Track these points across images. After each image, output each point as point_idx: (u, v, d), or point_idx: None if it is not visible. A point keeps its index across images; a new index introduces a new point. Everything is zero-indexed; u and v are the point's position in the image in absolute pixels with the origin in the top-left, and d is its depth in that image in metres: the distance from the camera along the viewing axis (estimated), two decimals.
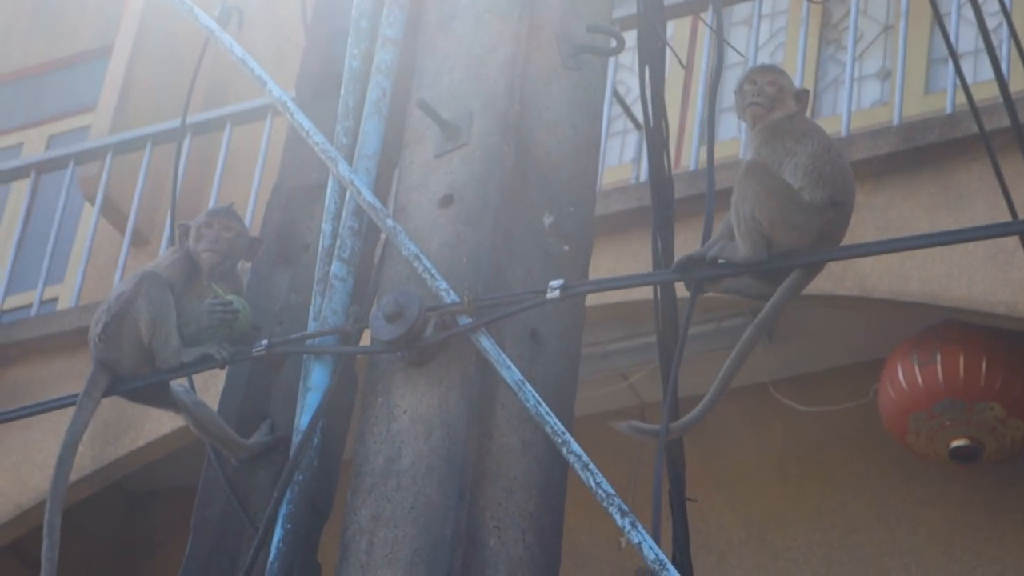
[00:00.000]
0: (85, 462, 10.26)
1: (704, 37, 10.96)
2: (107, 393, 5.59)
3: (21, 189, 12.13)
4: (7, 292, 11.63)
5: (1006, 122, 7.34)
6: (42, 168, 11.93)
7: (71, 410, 5.63)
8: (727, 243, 5.32)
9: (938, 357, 9.54)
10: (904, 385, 9.61)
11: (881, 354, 9.74)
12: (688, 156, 10.44)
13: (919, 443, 9.72)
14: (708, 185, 5.54)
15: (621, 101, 6.24)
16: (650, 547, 4.63)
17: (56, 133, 13.57)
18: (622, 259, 9.41)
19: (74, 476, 9.61)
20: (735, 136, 10.19)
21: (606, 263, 9.37)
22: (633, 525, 4.64)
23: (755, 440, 10.09)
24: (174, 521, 5.39)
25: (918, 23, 10.38)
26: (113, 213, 11.66)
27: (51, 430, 10.09)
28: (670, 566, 4.63)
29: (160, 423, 8.92)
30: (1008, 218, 7.43)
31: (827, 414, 10.07)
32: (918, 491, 10.05)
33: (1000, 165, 7.46)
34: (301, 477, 5.11)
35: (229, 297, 5.47)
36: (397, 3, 5.55)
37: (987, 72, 7.68)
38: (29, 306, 11.59)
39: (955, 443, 9.67)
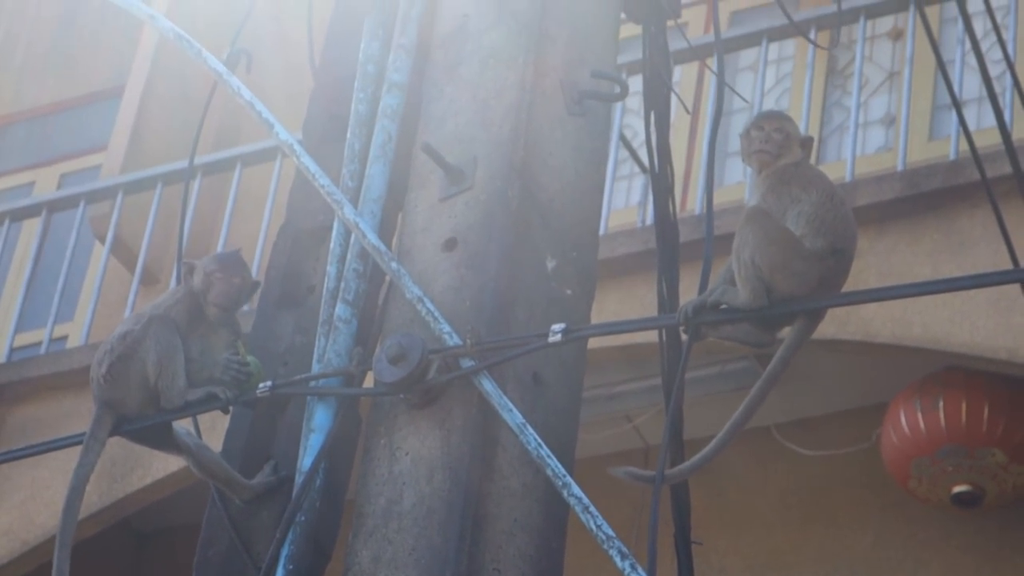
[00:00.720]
0: (92, 500, 10.25)
1: (710, 82, 10.98)
2: (112, 433, 5.59)
3: (32, 227, 12.14)
4: (17, 330, 11.64)
5: (1008, 169, 7.35)
6: (53, 207, 11.95)
7: (79, 448, 5.64)
8: (728, 288, 5.32)
9: (940, 403, 9.55)
10: (907, 430, 9.61)
11: (884, 399, 9.75)
12: (694, 200, 10.44)
13: (921, 488, 9.72)
14: (707, 229, 5.54)
15: (628, 145, 6.26)
16: None
17: (67, 172, 13.59)
18: (627, 302, 9.41)
19: (81, 514, 9.58)
20: (740, 180, 10.19)
21: (611, 306, 9.38)
22: (633, 568, 4.65)
23: (759, 482, 10.09)
24: (181, 559, 5.39)
25: (922, 70, 10.39)
26: (123, 252, 11.67)
27: (59, 468, 10.09)
28: None
29: (167, 461, 8.92)
30: (1010, 265, 7.44)
31: (830, 458, 10.07)
32: (920, 535, 10.04)
33: (1002, 212, 7.46)
34: (303, 518, 5.11)
35: (248, 358, 5.47)
36: (404, 48, 5.56)
37: (990, 119, 7.69)
38: (39, 344, 11.60)
39: (957, 488, 9.67)
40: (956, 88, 9.19)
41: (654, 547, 5.06)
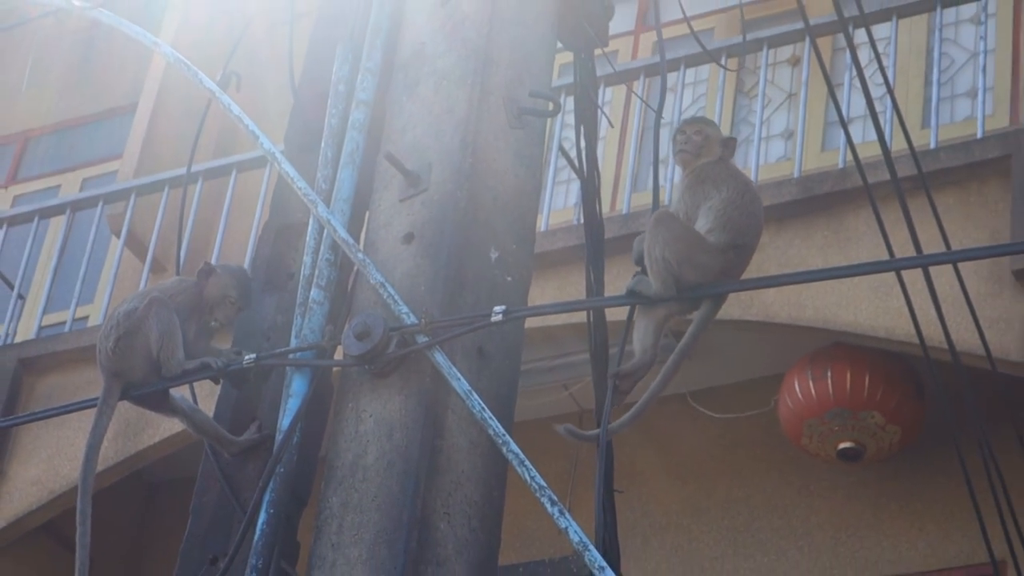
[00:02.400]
0: (109, 455, 10.25)
1: (636, 103, 10.99)
2: (121, 399, 5.59)
3: (58, 224, 12.11)
4: (45, 311, 11.62)
5: (887, 176, 7.38)
6: (76, 206, 11.91)
7: (95, 411, 5.65)
8: (643, 278, 5.33)
9: (829, 373, 9.57)
10: (800, 396, 9.63)
11: (780, 370, 9.76)
12: (622, 201, 10.45)
13: (812, 445, 9.73)
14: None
15: (565, 154, 6.25)
16: (575, 531, 4.63)
17: (88, 177, 13.57)
18: (564, 287, 9.41)
19: (99, 467, 9.55)
20: (662, 184, 10.16)
21: (551, 290, 9.38)
22: (561, 513, 4.66)
23: (675, 441, 10.10)
24: (184, 505, 5.39)
25: (816, 92, 10.41)
26: (135, 245, 11.65)
27: (80, 428, 10.06)
28: (592, 548, 4.63)
29: (173, 422, 8.87)
30: (887, 257, 7.46)
31: (735, 420, 10.08)
32: (811, 486, 10.06)
33: (881, 212, 7.48)
34: (283, 470, 5.10)
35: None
36: (370, 71, 5.56)
37: (872, 134, 7.70)
38: (63, 323, 11.56)
39: (842, 445, 9.68)
40: (844, 108, 9.22)
41: (600, 491, 5.11)
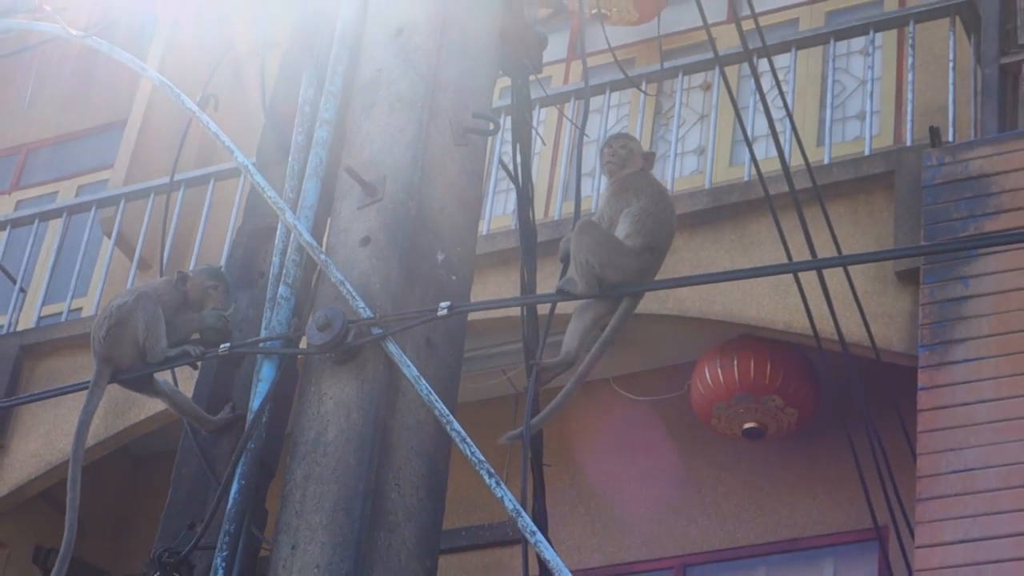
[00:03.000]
0: (99, 431, 10.24)
1: (566, 125, 11.02)
2: (110, 382, 5.61)
3: (56, 226, 12.08)
4: (44, 303, 11.61)
5: (786, 188, 7.43)
6: (72, 210, 11.88)
7: (87, 391, 5.67)
8: (570, 279, 5.36)
9: (735, 361, 9.59)
10: (710, 381, 9.65)
11: (693, 358, 9.78)
12: (554, 209, 10.48)
13: (720, 425, 9.75)
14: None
15: (504, 168, 6.27)
16: (510, 500, 4.65)
17: (83, 184, 13.51)
18: (504, 285, 9.40)
19: (90, 442, 9.57)
20: (589, 195, 10.15)
21: (493, 287, 9.38)
22: (498, 484, 4.68)
23: (599, 421, 10.09)
24: (166, 476, 5.40)
25: (725, 114, 10.42)
26: (124, 245, 11.62)
27: (74, 406, 10.00)
28: (524, 514, 4.65)
29: (156, 402, 8.83)
30: (786, 260, 7.51)
31: (653, 402, 10.09)
32: (718, 460, 10.07)
33: (780, 220, 7.52)
34: (253, 446, 5.12)
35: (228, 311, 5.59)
36: (332, 94, 5.57)
37: (774, 150, 7.75)
38: (60, 313, 11.54)
39: (747, 425, 9.71)
40: (749, 128, 9.24)
41: (525, 469, 5.13)
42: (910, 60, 9.89)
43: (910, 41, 9.96)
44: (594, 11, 11.10)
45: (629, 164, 5.64)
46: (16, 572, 11.09)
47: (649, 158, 5.72)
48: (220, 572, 4.96)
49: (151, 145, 12.55)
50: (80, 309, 11.72)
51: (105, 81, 13.44)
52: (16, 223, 12.10)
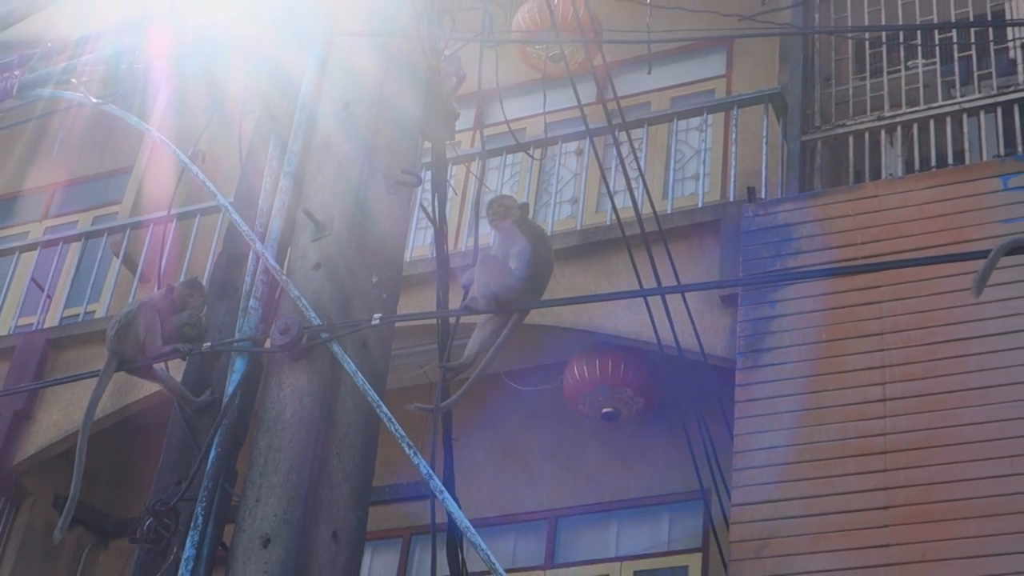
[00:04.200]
0: (107, 406, 10.15)
1: (472, 181, 11.03)
2: (117, 370, 5.59)
3: (76, 248, 12.00)
4: (65, 306, 11.55)
5: (638, 230, 7.48)
6: (88, 236, 11.84)
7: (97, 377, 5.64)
8: (475, 297, 5.38)
9: (597, 361, 9.62)
10: (578, 376, 9.69)
11: (567, 358, 9.80)
12: (462, 243, 10.48)
13: (585, 409, 9.78)
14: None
15: (424, 211, 6.26)
16: (424, 466, 4.66)
17: (98, 216, 13.41)
18: (424, 300, 9.38)
19: (99, 415, 9.52)
20: (487, 232, 10.16)
21: (414, 302, 9.36)
22: (415, 453, 4.68)
23: (494, 406, 10.10)
24: (159, 443, 5.38)
25: (593, 173, 10.49)
26: (129, 263, 11.53)
27: (87, 386, 9.88)
28: (435, 477, 4.66)
29: (153, 386, 8.79)
30: (638, 287, 7.56)
31: (536, 392, 10.11)
32: (583, 436, 10.10)
33: (634, 255, 7.58)
34: (227, 421, 5.10)
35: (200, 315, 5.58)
36: (294, 152, 5.56)
37: (629, 202, 7.80)
38: (78, 315, 11.47)
39: (605, 409, 9.74)
40: (611, 184, 9.29)
41: (435, 443, 5.13)
42: (734, 136, 9.99)
43: (734, 121, 10.06)
44: (554, 54, 11.05)
45: (508, 216, 5.67)
46: (40, 514, 11.00)
47: (524, 208, 5.75)
48: (200, 518, 4.95)
49: (151, 186, 12.45)
50: (93, 312, 11.61)
51: (117, 136, 13.34)
52: (45, 245, 12.03)
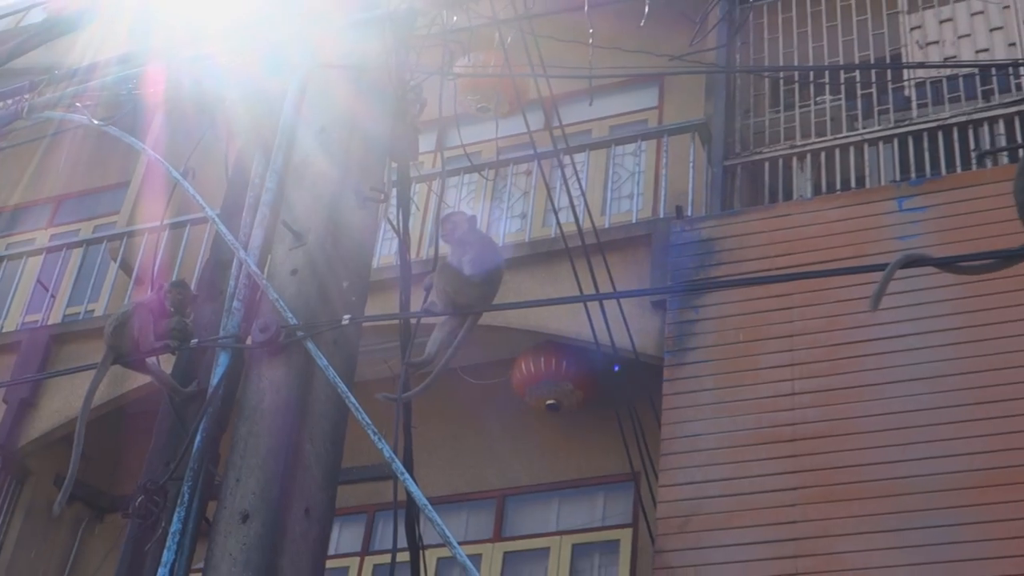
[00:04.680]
0: (104, 395, 10.05)
1: (432, 199, 11.01)
2: (113, 363, 5.53)
3: (78, 253, 11.91)
4: (68, 305, 11.48)
5: (580, 243, 7.48)
6: (89, 243, 11.76)
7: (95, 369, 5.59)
8: (433, 302, 5.35)
9: (542, 358, 9.62)
10: (524, 371, 9.68)
11: (515, 355, 9.81)
12: (423, 252, 10.46)
13: (531, 401, 9.78)
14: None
15: (390, 223, 6.21)
16: (387, 450, 4.63)
17: (98, 224, 13.32)
18: (389, 303, 9.34)
19: (96, 403, 9.42)
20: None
21: (380, 305, 9.28)
22: (379, 439, 4.65)
23: (450, 397, 10.07)
24: (150, 429, 5.34)
25: (540, 192, 10.50)
26: (126, 267, 11.44)
27: (86, 377, 9.78)
28: (396, 460, 4.63)
29: (144, 377, 8.73)
30: (578, 293, 7.56)
31: (487, 385, 10.10)
32: (529, 425, 10.10)
33: (576, 265, 7.58)
34: (211, 409, 5.05)
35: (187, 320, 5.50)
36: (275, 171, 5.51)
37: (572, 217, 7.81)
38: (79, 313, 11.38)
39: (548, 401, 9.74)
40: (556, 202, 9.29)
41: (398, 428, 5.11)
42: (664, 160, 10.02)
43: (665, 148, 10.09)
44: (482, 105, 11.07)
45: (456, 230, 5.63)
46: (42, 491, 10.90)
47: (471, 220, 5.71)
48: (186, 495, 4.90)
49: (146, 199, 12.36)
50: (93, 310, 11.52)
51: (116, 153, 13.24)
52: (50, 250, 11.94)
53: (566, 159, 9.00)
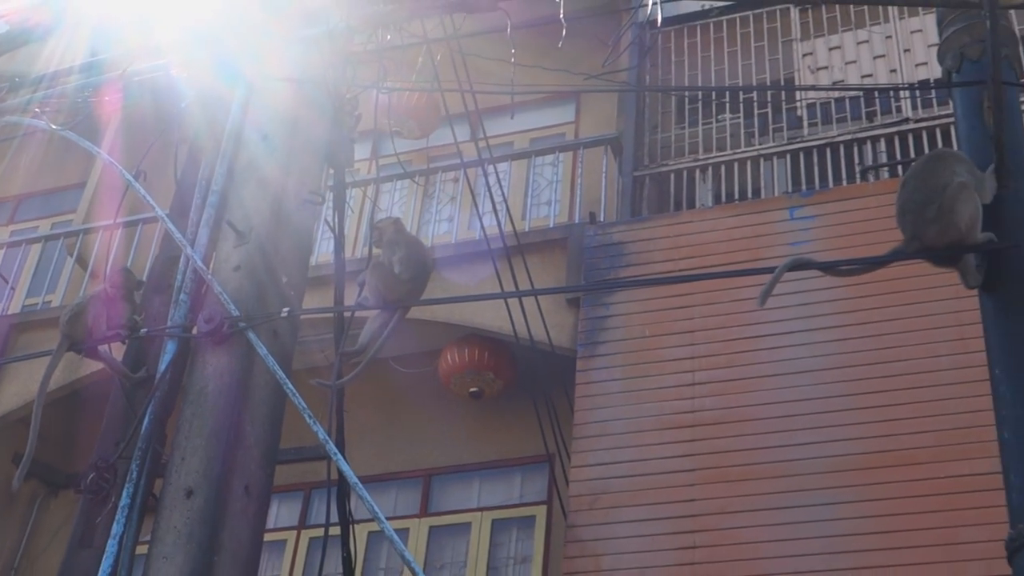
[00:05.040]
0: (59, 380, 9.92)
1: (366, 205, 10.95)
2: (68, 351, 5.45)
3: (37, 248, 11.74)
4: (26, 296, 11.30)
5: (502, 245, 7.46)
6: (48, 239, 11.61)
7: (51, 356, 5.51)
8: (366, 296, 5.33)
9: (466, 350, 9.60)
10: (450, 361, 9.64)
11: (441, 346, 9.77)
12: (358, 251, 10.40)
13: (455, 388, 9.75)
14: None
15: (328, 224, 6.18)
16: (321, 432, 4.60)
17: (56, 221, 13.08)
18: (326, 296, 9.22)
19: (52, 387, 9.26)
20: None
21: (317, 299, 9.20)
22: (314, 422, 4.63)
23: (381, 385, 10.03)
24: (102, 411, 5.27)
25: (466, 199, 10.49)
26: (81, 262, 11.29)
27: (42, 364, 9.62)
28: (330, 442, 4.61)
29: (97, 364, 8.61)
30: (498, 290, 7.55)
31: (416, 374, 10.06)
32: (454, 411, 10.08)
33: (497, 265, 7.57)
34: (159, 394, 4.98)
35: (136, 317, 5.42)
36: (220, 174, 5.44)
37: (494, 222, 7.80)
38: (36, 304, 11.22)
39: (471, 389, 9.72)
40: (480, 207, 9.27)
41: (331, 412, 5.08)
42: (580, 171, 10.04)
43: (580, 159, 10.11)
44: (395, 129, 11.05)
45: (384, 234, 5.60)
46: (1, 469, 10.71)
47: (398, 223, 5.68)
48: (134, 472, 4.84)
49: (102, 198, 12.19)
50: (50, 301, 11.34)
51: (74, 156, 13.05)
52: (11, 245, 11.73)
53: (490, 168, 9.00)
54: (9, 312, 11.24)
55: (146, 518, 4.84)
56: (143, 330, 5.27)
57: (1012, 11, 4.62)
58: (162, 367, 5.00)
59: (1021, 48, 4.73)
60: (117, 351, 5.63)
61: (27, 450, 5.36)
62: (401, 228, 5.57)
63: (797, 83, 10.04)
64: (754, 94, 10.21)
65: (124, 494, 4.81)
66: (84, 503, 5.02)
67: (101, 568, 4.66)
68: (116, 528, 4.73)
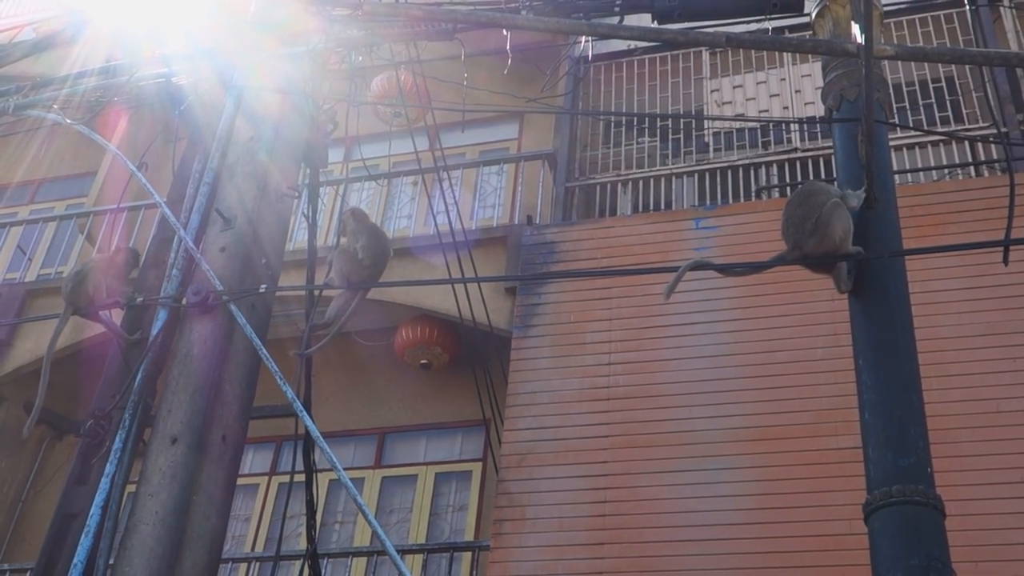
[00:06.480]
0: (66, 340, 9.77)
1: (338, 202, 10.85)
2: (72, 315, 5.34)
3: (52, 227, 11.53)
4: (42, 267, 11.09)
5: (451, 240, 7.41)
6: (62, 218, 11.36)
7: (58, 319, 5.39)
8: (333, 277, 5.26)
9: (418, 328, 9.55)
10: (405, 337, 9.59)
11: (396, 324, 9.71)
12: (329, 240, 10.31)
13: (408, 360, 9.70)
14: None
15: (305, 215, 6.10)
16: (290, 392, 4.54)
17: (70, 204, 12.85)
18: (298, 277, 9.18)
19: (60, 345, 9.10)
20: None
21: (292, 278, 9.15)
22: (284, 383, 4.57)
23: (346, 355, 9.97)
24: (101, 367, 5.19)
25: (423, 200, 10.42)
26: (91, 239, 11.09)
27: (51, 324, 9.52)
28: (297, 400, 4.55)
29: (98, 327, 8.46)
30: (448, 277, 7.50)
31: (376, 347, 10.00)
32: (406, 379, 10.02)
33: (448, 258, 7.51)
34: (151, 354, 4.89)
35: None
36: (211, 168, 5.33)
37: (446, 219, 7.75)
38: (50, 273, 11.01)
39: (422, 361, 9.68)
40: (434, 207, 9.22)
41: (300, 378, 5.01)
42: (520, 180, 10.01)
43: (521, 170, 10.09)
44: (398, 112, 10.87)
45: (349, 223, 5.52)
46: (14, 415, 10.51)
47: (357, 212, 5.59)
48: (127, 421, 4.75)
49: (110, 185, 11.98)
50: (61, 272, 11.16)
51: (88, 147, 12.82)
52: (30, 222, 11.51)
53: (444, 174, 8.95)
54: (26, 280, 11.05)
55: (136, 461, 4.76)
56: (139, 299, 5.17)
57: (884, 61, 4.66)
58: (154, 332, 4.91)
59: (891, 92, 4.77)
60: (116, 316, 5.53)
61: (37, 399, 5.24)
62: (364, 219, 5.50)
63: (705, 114, 10.09)
64: (669, 121, 10.25)
65: (117, 439, 4.72)
66: (82, 446, 4.93)
67: (95, 502, 4.57)
68: (109, 468, 4.65)
